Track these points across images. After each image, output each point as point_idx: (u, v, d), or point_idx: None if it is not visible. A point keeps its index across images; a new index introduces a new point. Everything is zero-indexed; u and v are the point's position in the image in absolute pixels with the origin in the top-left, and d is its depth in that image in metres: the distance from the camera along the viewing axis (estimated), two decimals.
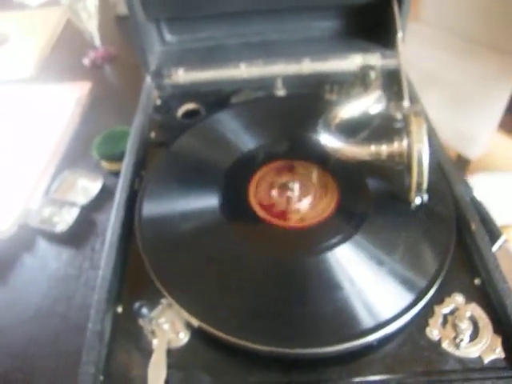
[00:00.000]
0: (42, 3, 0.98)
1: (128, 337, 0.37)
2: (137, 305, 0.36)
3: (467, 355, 0.35)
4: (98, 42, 0.83)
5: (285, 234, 0.39)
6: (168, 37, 0.61)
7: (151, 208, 0.42)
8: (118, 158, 0.59)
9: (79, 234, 0.58)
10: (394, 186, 0.42)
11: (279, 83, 0.57)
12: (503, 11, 1.23)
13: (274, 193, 0.42)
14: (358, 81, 0.50)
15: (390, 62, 0.58)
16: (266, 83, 0.57)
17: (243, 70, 0.58)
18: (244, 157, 0.46)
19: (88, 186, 0.63)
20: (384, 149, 0.38)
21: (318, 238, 0.38)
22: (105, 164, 0.63)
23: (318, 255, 0.37)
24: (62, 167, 0.65)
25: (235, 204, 0.42)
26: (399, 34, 0.53)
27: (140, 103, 0.55)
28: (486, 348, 0.35)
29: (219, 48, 0.60)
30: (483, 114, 1.21)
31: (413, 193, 0.37)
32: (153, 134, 0.53)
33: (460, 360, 0.35)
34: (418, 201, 0.38)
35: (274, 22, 0.60)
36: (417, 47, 1.31)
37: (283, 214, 0.40)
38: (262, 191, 0.42)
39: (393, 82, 0.55)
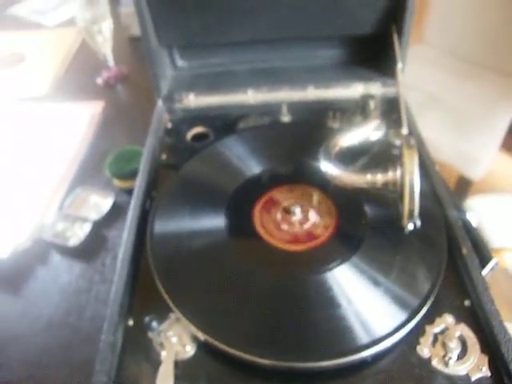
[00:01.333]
0: (58, 24, 1.03)
1: (138, 348, 0.40)
2: (147, 319, 0.39)
3: (455, 373, 0.37)
4: (111, 62, 0.86)
5: (287, 255, 0.42)
6: (179, 62, 0.64)
7: (162, 227, 0.45)
8: (129, 176, 0.62)
9: (91, 249, 0.61)
10: (390, 212, 0.44)
11: (284, 109, 0.60)
12: (507, 35, 1.27)
13: (277, 216, 0.45)
14: (359, 109, 0.53)
15: (390, 91, 0.61)
16: (271, 109, 0.61)
17: (250, 96, 0.61)
18: (249, 180, 0.48)
19: (100, 203, 0.66)
20: (379, 178, 0.41)
21: (318, 259, 0.41)
22: (116, 182, 0.66)
23: (318, 275, 0.40)
24: (75, 184, 0.68)
25: (240, 225, 0.45)
26: (399, 65, 0.56)
27: (152, 126, 0.58)
28: (473, 366, 0.38)
29: (228, 74, 0.63)
30: (485, 136, 1.23)
31: (405, 219, 0.40)
32: (164, 156, 0.56)
33: (448, 377, 0.37)
34: (410, 227, 0.41)
35: (280, 50, 0.63)
36: (420, 69, 1.35)
37: (285, 236, 0.43)
38: (265, 214, 0.45)
39: (393, 110, 0.58)
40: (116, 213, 0.64)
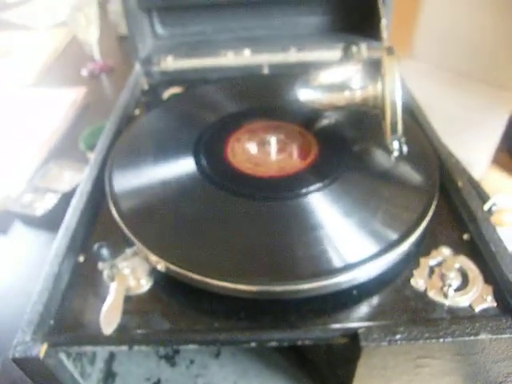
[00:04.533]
0: (48, 26, 1.03)
1: (86, 283, 0.34)
2: (96, 245, 0.33)
3: (456, 304, 0.32)
4: (97, 54, 0.85)
5: (262, 182, 0.37)
6: (159, 30, 0.62)
7: (122, 163, 0.41)
8: None
9: (58, 219, 0.56)
10: (376, 142, 0.40)
11: (265, 70, 0.57)
12: (493, 46, 1.28)
13: (252, 148, 0.41)
14: (342, 56, 0.50)
15: (376, 54, 0.59)
16: (252, 71, 0.58)
17: (230, 59, 0.58)
18: (220, 121, 0.45)
19: (73, 177, 0.62)
20: (358, 94, 0.38)
21: (296, 185, 0.36)
22: (91, 156, 0.63)
23: (296, 199, 0.35)
24: (50, 160, 0.65)
25: (210, 159, 0.40)
26: (383, 21, 0.53)
27: (127, 86, 0.55)
28: (476, 297, 0.32)
29: (208, 41, 0.61)
30: (477, 144, 1.22)
31: (389, 136, 0.36)
32: (137, 112, 0.53)
33: (449, 309, 0.32)
34: (395, 145, 0.36)
35: (262, 17, 0.62)
36: (411, 81, 1.34)
37: (261, 167, 0.39)
38: (239, 148, 0.41)
39: (378, 72, 0.55)
40: None
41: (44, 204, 0.58)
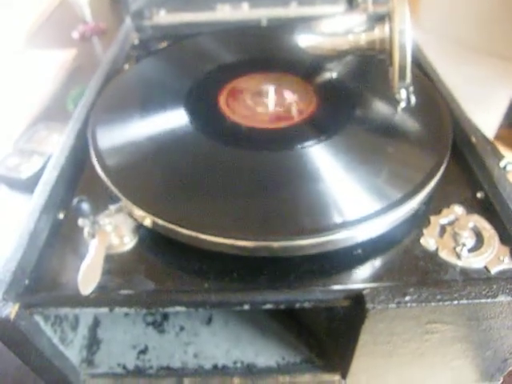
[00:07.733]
0: None
1: (65, 242, 0.31)
2: (76, 200, 0.30)
3: (470, 265, 0.29)
4: (88, 16, 0.81)
5: (257, 133, 0.34)
6: None
7: (106, 113, 0.38)
8: None
9: None
10: (381, 92, 0.37)
11: (264, 24, 0.53)
12: (500, 18, 1.23)
13: (249, 99, 0.37)
14: (347, 8, 0.46)
15: (382, 8, 0.55)
16: (250, 25, 0.54)
17: (227, 13, 0.54)
18: (215, 71, 0.41)
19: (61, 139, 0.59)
20: (363, 37, 0.34)
21: (295, 136, 0.33)
22: None
23: (292, 151, 0.32)
24: (39, 123, 0.62)
25: (202, 107, 0.37)
26: None
27: (116, 40, 0.52)
28: (492, 258, 0.29)
29: None
30: (482, 117, 1.18)
31: (395, 83, 0.32)
32: (127, 66, 0.49)
33: (462, 270, 0.29)
34: (403, 94, 0.33)
35: None
36: None
37: (258, 118, 0.35)
38: (235, 99, 0.37)
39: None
40: None
41: (30, 167, 0.55)
